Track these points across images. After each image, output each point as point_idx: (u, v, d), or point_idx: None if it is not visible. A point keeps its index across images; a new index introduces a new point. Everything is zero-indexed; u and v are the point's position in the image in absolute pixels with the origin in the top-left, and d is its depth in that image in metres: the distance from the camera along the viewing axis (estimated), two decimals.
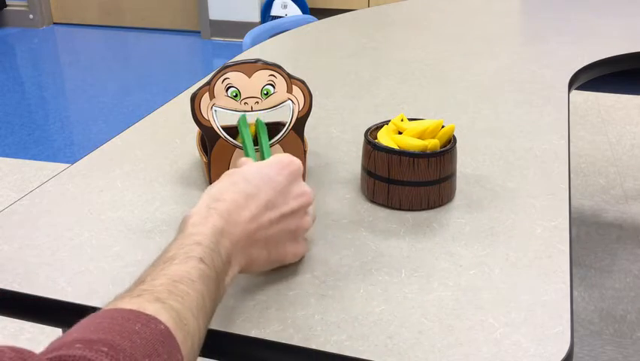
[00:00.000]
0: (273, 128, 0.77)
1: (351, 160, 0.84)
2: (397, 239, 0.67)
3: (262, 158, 0.70)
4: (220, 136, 0.72)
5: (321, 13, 2.61)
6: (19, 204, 0.74)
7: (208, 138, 0.73)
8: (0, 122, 2.99)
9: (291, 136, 0.75)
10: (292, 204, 0.59)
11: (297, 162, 0.61)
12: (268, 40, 1.47)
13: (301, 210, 0.60)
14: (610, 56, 1.25)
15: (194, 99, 0.70)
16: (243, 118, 0.73)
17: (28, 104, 3.22)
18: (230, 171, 0.60)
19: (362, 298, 0.58)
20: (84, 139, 2.83)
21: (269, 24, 1.72)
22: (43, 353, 0.38)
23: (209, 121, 0.71)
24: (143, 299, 0.43)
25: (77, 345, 0.38)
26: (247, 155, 0.70)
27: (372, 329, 0.54)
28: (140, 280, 0.47)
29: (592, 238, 2.01)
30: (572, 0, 1.75)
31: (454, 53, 1.31)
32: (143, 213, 0.72)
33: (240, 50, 1.48)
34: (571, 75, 1.15)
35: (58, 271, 0.62)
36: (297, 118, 0.74)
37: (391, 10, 1.69)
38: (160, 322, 0.42)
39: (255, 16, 4.08)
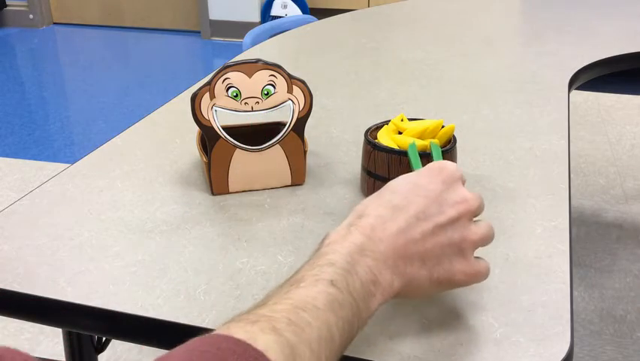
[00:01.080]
0: (273, 128, 0.77)
1: (351, 160, 0.84)
2: None
3: None
4: (220, 136, 0.72)
5: (321, 13, 2.62)
6: (19, 204, 0.74)
7: (208, 138, 0.73)
8: (0, 122, 2.99)
9: (291, 136, 0.75)
10: (450, 213, 0.50)
11: (452, 165, 0.53)
12: (268, 41, 1.47)
13: (463, 220, 0.51)
14: (610, 56, 1.25)
15: (195, 99, 0.70)
16: (413, 148, 0.67)
17: (28, 104, 3.22)
18: (380, 190, 0.54)
19: None
20: (84, 139, 2.83)
21: (269, 24, 1.72)
22: None
23: (209, 121, 0.71)
24: (258, 328, 0.40)
25: None
26: None
27: (372, 329, 0.54)
28: (263, 302, 0.43)
29: (592, 238, 2.01)
30: (571, 0, 1.75)
31: (454, 53, 1.31)
32: (143, 213, 0.72)
33: (240, 50, 1.48)
34: (571, 75, 1.15)
35: (58, 271, 0.62)
36: (297, 118, 0.74)
37: (391, 10, 1.69)
38: (267, 360, 0.38)
39: (255, 16, 4.08)
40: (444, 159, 0.70)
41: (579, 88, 1.25)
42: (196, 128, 0.75)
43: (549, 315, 0.56)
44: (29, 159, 2.62)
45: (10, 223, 0.70)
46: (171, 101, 1.06)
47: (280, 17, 3.45)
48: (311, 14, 2.26)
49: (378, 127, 0.77)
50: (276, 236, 0.68)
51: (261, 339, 0.39)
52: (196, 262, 0.63)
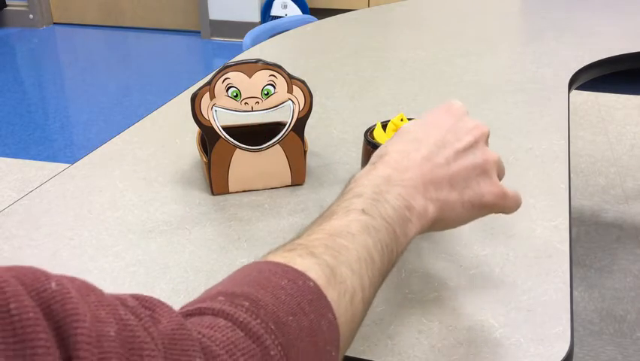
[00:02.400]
0: (273, 128, 0.77)
1: (351, 160, 0.84)
2: None
3: None
4: (220, 136, 0.72)
5: (321, 13, 2.62)
6: (19, 204, 0.74)
7: (208, 138, 0.73)
8: (0, 122, 2.99)
9: (291, 136, 0.75)
10: (467, 138, 0.53)
11: (457, 102, 0.56)
12: (268, 41, 1.47)
13: (480, 143, 0.53)
14: (610, 56, 1.25)
15: (195, 99, 0.70)
16: None
17: (28, 104, 3.22)
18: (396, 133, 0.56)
19: None
20: (84, 139, 2.83)
21: (269, 24, 1.72)
22: (189, 304, 0.37)
23: (209, 121, 0.71)
24: (296, 253, 0.41)
25: (220, 298, 0.37)
26: None
27: (372, 329, 0.54)
28: (298, 236, 0.44)
29: (592, 238, 2.01)
30: (571, 0, 1.75)
31: (454, 53, 1.31)
32: (143, 213, 0.72)
33: (240, 50, 1.48)
34: (571, 75, 1.15)
35: (58, 271, 0.62)
36: (297, 118, 0.74)
37: (391, 10, 1.69)
38: (309, 278, 0.39)
39: (255, 16, 4.08)
40: None
41: (579, 88, 1.25)
42: (196, 128, 0.75)
43: (549, 315, 0.56)
44: (29, 159, 2.62)
45: (10, 223, 0.70)
46: (171, 101, 1.06)
47: (280, 17, 3.44)
48: (311, 14, 2.26)
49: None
50: (276, 236, 0.68)
51: (299, 262, 0.40)
52: (196, 262, 0.63)
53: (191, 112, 0.71)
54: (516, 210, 0.55)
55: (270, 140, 0.74)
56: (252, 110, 0.72)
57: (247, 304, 0.36)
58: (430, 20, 1.61)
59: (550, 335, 0.53)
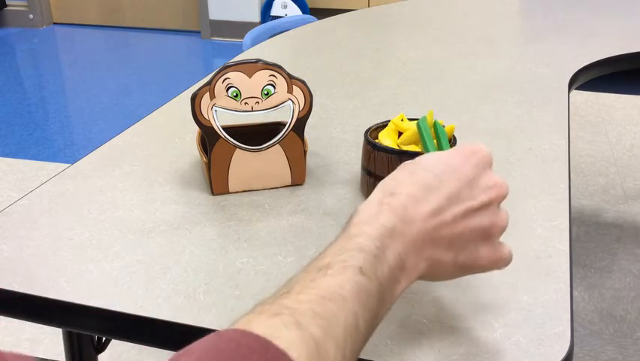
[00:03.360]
0: (274, 128, 0.77)
1: (351, 160, 0.84)
2: None
3: None
4: (220, 136, 0.72)
5: (321, 13, 2.62)
6: (19, 204, 0.74)
7: (208, 138, 0.73)
8: (0, 122, 2.99)
9: (291, 136, 0.75)
10: (482, 198, 0.49)
11: (484, 149, 0.51)
12: (268, 40, 1.47)
13: (493, 205, 0.50)
14: (610, 56, 1.25)
15: (195, 99, 0.70)
16: (424, 120, 0.64)
17: (28, 104, 3.22)
18: (407, 162, 0.52)
19: None
20: (84, 139, 2.83)
21: (269, 24, 1.72)
22: None
23: (209, 121, 0.71)
24: (281, 322, 0.38)
25: None
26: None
27: None
28: (287, 290, 0.41)
29: (592, 238, 2.01)
30: (571, 0, 1.75)
31: (454, 53, 1.31)
32: (143, 213, 0.72)
33: (239, 50, 1.48)
34: (571, 75, 1.15)
35: (58, 271, 0.62)
36: (297, 118, 0.74)
37: (391, 10, 1.69)
38: (289, 360, 0.36)
39: (255, 16, 4.08)
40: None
41: (579, 88, 1.25)
42: (196, 128, 0.75)
43: (549, 315, 0.56)
44: (29, 159, 2.62)
45: (10, 223, 0.70)
46: (171, 101, 1.06)
47: (280, 17, 3.44)
48: (311, 14, 2.25)
49: (379, 127, 0.77)
50: (276, 236, 0.68)
51: (283, 336, 0.37)
52: (196, 262, 0.63)
53: (191, 112, 0.71)
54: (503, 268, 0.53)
55: (270, 140, 0.74)
56: (252, 110, 0.72)
57: None
58: (430, 20, 1.61)
59: (551, 335, 0.53)
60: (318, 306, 0.39)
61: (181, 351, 0.37)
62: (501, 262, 0.51)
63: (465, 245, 0.49)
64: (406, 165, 0.51)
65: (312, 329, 0.38)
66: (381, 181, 0.50)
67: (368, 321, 0.42)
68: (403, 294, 0.58)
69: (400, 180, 0.49)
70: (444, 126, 0.65)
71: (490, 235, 0.50)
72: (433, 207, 0.48)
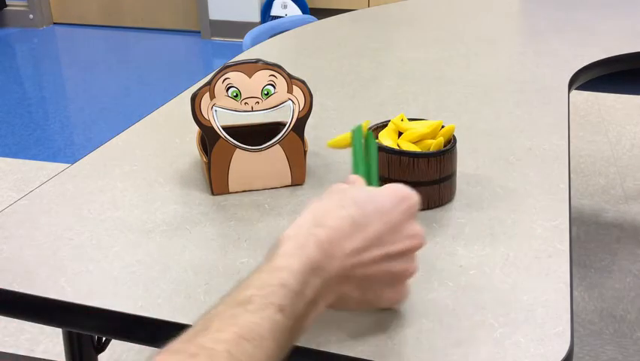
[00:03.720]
0: (274, 128, 0.77)
1: (351, 160, 0.84)
2: None
3: (367, 180, 0.61)
4: (220, 136, 0.72)
5: (321, 13, 2.62)
6: (19, 204, 0.74)
7: (208, 138, 0.73)
8: (0, 122, 2.99)
9: (291, 136, 0.75)
10: (401, 245, 0.51)
11: (415, 197, 0.53)
12: (268, 40, 1.47)
13: (409, 253, 0.52)
14: (610, 56, 1.25)
15: (195, 99, 0.70)
16: (359, 129, 0.65)
17: (28, 104, 3.22)
18: (339, 187, 0.54)
19: None
20: (84, 139, 2.83)
21: (269, 24, 1.72)
22: None
23: (209, 121, 0.71)
24: None
25: None
26: (356, 172, 0.62)
27: (372, 329, 0.54)
28: (205, 326, 0.41)
29: (592, 238, 2.01)
30: (571, 0, 1.75)
31: (454, 53, 1.31)
32: (143, 213, 0.72)
33: (239, 50, 1.48)
34: (571, 75, 1.15)
35: (58, 271, 0.62)
36: (297, 118, 0.74)
37: (391, 10, 1.69)
38: None
39: (255, 16, 4.08)
40: (443, 159, 0.70)
41: (579, 88, 1.25)
42: (196, 128, 0.75)
43: (549, 315, 0.56)
44: (29, 159, 2.62)
45: (10, 223, 0.70)
46: (171, 101, 1.06)
47: (280, 17, 3.44)
48: (311, 14, 2.25)
49: (379, 127, 0.77)
50: (276, 236, 0.67)
51: None
52: (196, 262, 0.63)
53: (191, 112, 0.71)
54: None
55: (270, 140, 0.74)
56: (252, 110, 0.72)
57: None
58: (430, 20, 1.61)
59: (551, 335, 0.53)
60: (235, 347, 0.40)
61: None
62: (400, 302, 0.55)
63: (373, 285, 0.51)
64: (338, 195, 0.52)
65: None
66: (311, 205, 0.51)
67: (277, 357, 0.43)
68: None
69: (330, 210, 0.50)
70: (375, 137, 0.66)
71: (398, 280, 0.53)
72: (356, 246, 0.49)
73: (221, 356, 0.39)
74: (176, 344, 0.40)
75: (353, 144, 0.64)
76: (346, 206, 0.51)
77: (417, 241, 0.52)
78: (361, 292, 0.51)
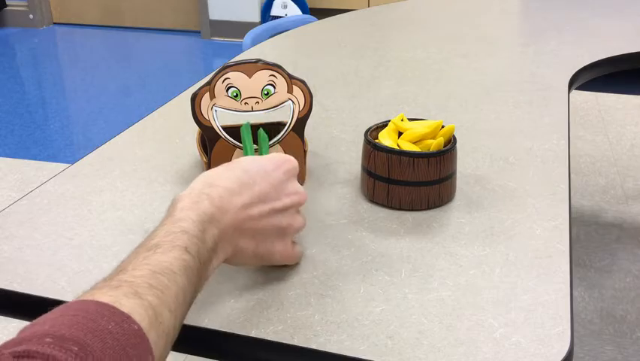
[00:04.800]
0: (274, 128, 0.77)
1: (351, 160, 0.84)
2: (397, 239, 0.67)
3: None
4: (220, 136, 0.72)
5: (321, 13, 2.62)
6: (19, 204, 0.74)
7: (208, 138, 0.73)
8: (0, 122, 2.99)
9: (291, 136, 0.75)
10: (285, 201, 0.58)
11: (294, 161, 0.61)
12: (268, 40, 1.47)
13: (292, 209, 0.59)
14: (610, 56, 1.25)
15: (195, 99, 0.70)
16: (247, 127, 0.71)
17: (28, 104, 3.22)
18: (229, 163, 0.59)
19: (362, 298, 0.58)
20: (84, 139, 2.83)
21: (269, 24, 1.72)
22: (9, 343, 0.37)
23: (209, 121, 0.71)
24: (121, 293, 0.42)
25: (47, 339, 0.37)
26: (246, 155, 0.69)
27: (372, 329, 0.54)
28: (121, 268, 0.46)
29: (592, 238, 2.01)
30: (571, 0, 1.75)
31: (454, 53, 1.31)
32: (143, 213, 0.72)
33: (239, 50, 1.48)
34: (571, 75, 1.15)
35: (58, 271, 0.62)
36: (297, 118, 0.74)
37: (391, 10, 1.69)
38: (134, 321, 0.41)
39: (255, 16, 4.08)
40: (443, 159, 0.70)
41: (579, 88, 1.25)
42: (196, 128, 0.75)
43: (549, 315, 0.56)
44: (29, 159, 2.62)
45: (10, 223, 0.70)
46: (171, 101, 1.06)
47: (280, 17, 3.44)
48: (311, 14, 2.26)
49: (379, 127, 0.77)
50: None
51: (125, 303, 0.41)
52: None
53: (191, 112, 0.71)
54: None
55: (271, 140, 0.74)
56: (252, 110, 0.72)
57: (76, 349, 0.37)
58: (430, 20, 1.61)
59: (551, 335, 0.53)
60: (152, 280, 0.44)
61: (31, 323, 0.40)
62: (291, 258, 0.61)
63: (264, 239, 0.57)
64: (228, 164, 0.59)
65: (150, 298, 0.43)
66: (202, 174, 0.57)
67: (190, 294, 0.48)
68: (404, 293, 0.58)
69: (219, 174, 0.57)
70: (268, 134, 0.72)
71: (285, 233, 0.59)
72: (245, 202, 0.55)
73: (141, 285, 0.44)
74: (98, 284, 0.44)
75: (243, 139, 0.70)
76: (234, 169, 0.57)
77: (298, 197, 0.60)
78: (255, 244, 0.57)
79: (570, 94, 1.10)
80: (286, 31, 1.53)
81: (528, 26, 1.59)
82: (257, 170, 0.58)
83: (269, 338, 0.53)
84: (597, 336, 1.61)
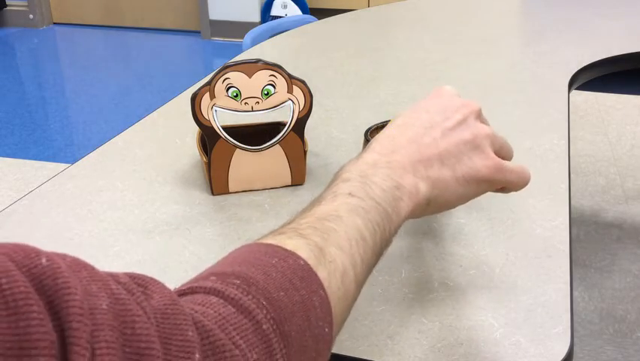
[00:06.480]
0: (274, 128, 0.77)
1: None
2: (397, 239, 0.67)
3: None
4: (220, 136, 0.72)
5: (321, 13, 2.62)
6: (19, 204, 0.74)
7: (208, 138, 0.73)
8: (0, 122, 2.99)
9: (291, 136, 0.75)
10: (455, 117, 0.52)
11: (448, 86, 0.57)
12: (268, 40, 1.47)
13: (469, 120, 0.53)
14: (610, 56, 1.25)
15: (195, 99, 0.70)
16: None
17: (28, 104, 3.22)
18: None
19: (362, 298, 0.58)
20: (84, 139, 2.83)
21: (269, 24, 1.72)
22: (182, 286, 0.38)
23: (209, 121, 0.71)
24: (285, 236, 0.42)
25: (212, 277, 0.38)
26: None
27: (372, 329, 0.54)
28: (288, 222, 0.45)
29: (592, 238, 2.01)
30: (571, 0, 1.75)
31: (454, 53, 1.31)
32: (143, 213, 0.72)
33: (239, 50, 1.48)
34: (571, 75, 1.15)
35: None
36: (297, 118, 0.74)
37: (391, 10, 1.69)
38: (299, 257, 0.40)
39: (255, 16, 4.08)
40: None
41: (579, 88, 1.25)
42: (196, 128, 0.75)
43: (549, 315, 0.56)
44: (29, 159, 2.62)
45: (10, 223, 0.70)
46: (171, 101, 1.06)
47: (280, 17, 3.44)
48: (311, 14, 2.26)
49: (378, 127, 0.77)
50: None
51: (289, 243, 0.41)
52: (196, 262, 0.63)
53: (191, 112, 0.71)
54: (523, 185, 0.55)
55: (270, 140, 0.74)
56: (252, 110, 0.72)
57: (238, 282, 0.37)
58: (430, 20, 1.61)
59: (551, 335, 0.53)
60: (317, 224, 0.43)
61: (216, 263, 0.40)
62: (504, 171, 0.53)
63: (457, 159, 0.51)
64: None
65: (315, 238, 0.42)
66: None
67: (373, 233, 0.45)
68: (404, 293, 0.58)
69: (376, 136, 0.53)
70: None
71: (476, 144, 0.52)
72: (410, 136, 0.51)
73: (306, 229, 0.43)
74: (264, 235, 0.44)
75: None
76: (392, 122, 0.54)
77: (466, 108, 0.53)
78: (450, 168, 0.51)
79: (570, 94, 1.10)
80: (286, 31, 1.53)
81: (528, 26, 1.59)
82: (414, 109, 0.54)
83: None
84: (597, 336, 1.61)
